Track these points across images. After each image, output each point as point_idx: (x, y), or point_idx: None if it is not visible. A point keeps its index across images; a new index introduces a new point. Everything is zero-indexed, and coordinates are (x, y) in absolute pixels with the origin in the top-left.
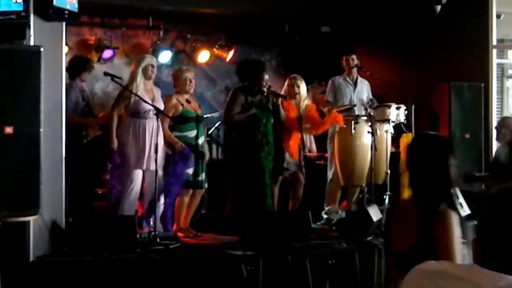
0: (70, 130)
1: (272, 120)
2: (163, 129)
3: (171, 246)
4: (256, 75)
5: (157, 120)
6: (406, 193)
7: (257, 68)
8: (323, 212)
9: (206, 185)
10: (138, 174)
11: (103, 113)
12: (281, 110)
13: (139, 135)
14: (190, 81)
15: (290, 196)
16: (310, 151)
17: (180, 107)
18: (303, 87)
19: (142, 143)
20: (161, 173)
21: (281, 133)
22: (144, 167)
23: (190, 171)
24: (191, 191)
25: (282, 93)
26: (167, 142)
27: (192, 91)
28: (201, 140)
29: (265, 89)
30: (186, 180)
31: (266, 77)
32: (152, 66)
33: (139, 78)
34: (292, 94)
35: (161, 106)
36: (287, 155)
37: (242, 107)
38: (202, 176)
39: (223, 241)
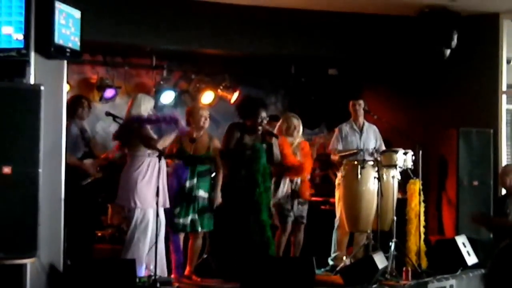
0: (69, 170)
1: (264, 160)
2: None
3: None
4: (251, 112)
5: (159, 161)
6: (412, 240)
7: (254, 105)
8: (330, 258)
9: (199, 229)
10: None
11: (104, 155)
12: (275, 149)
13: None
14: (206, 118)
15: (291, 243)
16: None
17: (177, 145)
18: (300, 127)
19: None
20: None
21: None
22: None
23: (176, 211)
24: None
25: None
26: None
27: (206, 126)
28: (191, 182)
29: (260, 127)
30: (174, 222)
31: (263, 114)
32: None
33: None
34: (288, 132)
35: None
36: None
37: (236, 143)
38: (188, 220)
39: (225, 287)
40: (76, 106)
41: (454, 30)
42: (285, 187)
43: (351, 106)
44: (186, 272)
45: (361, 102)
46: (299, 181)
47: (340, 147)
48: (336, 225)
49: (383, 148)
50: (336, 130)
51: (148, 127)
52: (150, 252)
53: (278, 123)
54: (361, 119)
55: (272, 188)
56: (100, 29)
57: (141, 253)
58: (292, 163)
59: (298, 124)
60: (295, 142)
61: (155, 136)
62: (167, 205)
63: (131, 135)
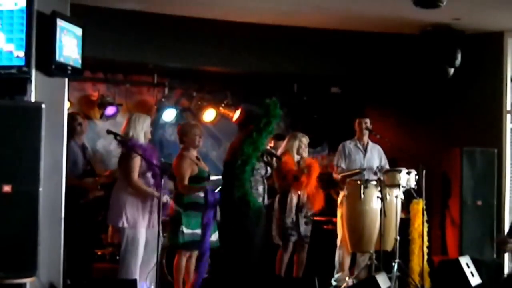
0: (69, 189)
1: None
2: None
3: None
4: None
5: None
6: (415, 261)
7: (255, 115)
8: (333, 279)
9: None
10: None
11: (108, 173)
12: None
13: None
14: (200, 137)
15: (294, 262)
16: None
17: (195, 167)
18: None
19: (150, 202)
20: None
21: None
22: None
23: (199, 231)
24: (194, 253)
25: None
26: None
27: (201, 145)
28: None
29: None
30: (192, 241)
31: None
32: (151, 128)
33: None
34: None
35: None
36: (286, 215)
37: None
38: (216, 236)
39: None
40: (72, 124)
41: (457, 48)
42: (291, 206)
43: (357, 124)
44: None
45: (367, 120)
46: (305, 197)
47: (343, 164)
48: (338, 244)
49: (388, 167)
50: (340, 147)
51: (137, 160)
52: (151, 271)
53: (286, 140)
54: (365, 138)
55: (278, 207)
56: (102, 47)
57: (132, 273)
58: (295, 175)
59: (307, 143)
60: (300, 160)
61: (135, 175)
62: (156, 226)
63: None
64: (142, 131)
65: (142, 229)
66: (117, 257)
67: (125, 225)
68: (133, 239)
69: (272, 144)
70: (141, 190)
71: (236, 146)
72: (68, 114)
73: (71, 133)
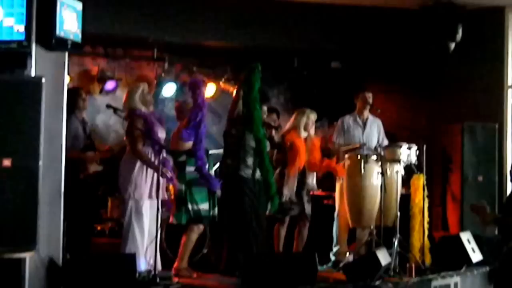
0: (69, 164)
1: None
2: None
3: (171, 287)
4: None
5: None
6: (416, 237)
7: None
8: (331, 253)
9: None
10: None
11: (107, 147)
12: (276, 141)
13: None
14: None
15: (294, 237)
16: (311, 189)
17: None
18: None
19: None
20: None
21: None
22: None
23: (206, 206)
24: (201, 226)
25: (291, 125)
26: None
27: None
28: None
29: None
30: (199, 216)
31: (264, 108)
32: (149, 94)
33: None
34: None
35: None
36: (285, 190)
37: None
38: (215, 211)
39: (225, 282)
40: (76, 98)
41: (458, 23)
42: (290, 182)
43: (360, 98)
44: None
45: (370, 95)
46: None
47: (341, 140)
48: (335, 218)
49: (386, 143)
50: (338, 122)
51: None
52: (149, 247)
53: (294, 116)
54: (366, 112)
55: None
56: (102, 21)
57: (139, 245)
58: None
59: (315, 119)
60: (304, 135)
61: (138, 144)
62: (165, 197)
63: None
64: (137, 99)
65: (146, 202)
66: (117, 232)
67: (131, 196)
68: (137, 210)
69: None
70: (146, 160)
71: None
72: (73, 89)
73: (73, 108)
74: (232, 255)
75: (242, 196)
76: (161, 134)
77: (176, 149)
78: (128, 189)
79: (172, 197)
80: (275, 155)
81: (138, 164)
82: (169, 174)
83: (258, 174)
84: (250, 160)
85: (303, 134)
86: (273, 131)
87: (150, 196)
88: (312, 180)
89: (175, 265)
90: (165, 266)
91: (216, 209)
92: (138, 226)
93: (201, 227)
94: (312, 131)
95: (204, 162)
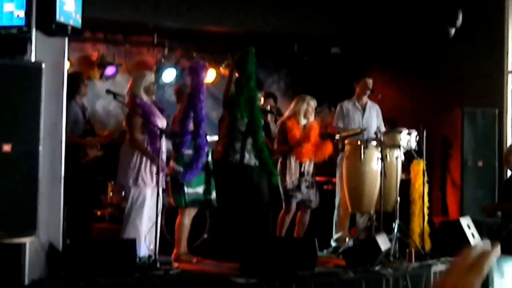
0: (70, 149)
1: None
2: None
3: (171, 272)
4: None
5: (160, 139)
6: (416, 222)
7: None
8: (332, 239)
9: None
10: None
11: (107, 133)
12: (272, 127)
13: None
14: None
15: (296, 222)
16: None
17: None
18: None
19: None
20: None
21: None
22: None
23: (201, 189)
24: (194, 210)
25: (291, 112)
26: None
27: None
28: (209, 157)
29: None
30: (196, 199)
31: (258, 95)
32: (153, 83)
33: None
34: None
35: (163, 123)
36: (288, 177)
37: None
38: (213, 195)
39: (225, 267)
40: (78, 83)
41: (459, 8)
42: (292, 169)
43: (361, 83)
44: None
45: (371, 80)
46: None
47: (341, 125)
48: (336, 204)
49: (383, 128)
50: (337, 107)
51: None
52: (150, 232)
53: (294, 103)
54: (365, 97)
55: (279, 170)
56: (101, 7)
57: (139, 232)
58: (298, 142)
59: (315, 106)
60: (302, 121)
61: (136, 133)
62: (164, 186)
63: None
64: (141, 88)
65: (148, 189)
66: (117, 217)
67: (133, 183)
68: (139, 197)
69: (262, 102)
70: (140, 149)
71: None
72: (74, 74)
73: (73, 93)
74: (230, 241)
75: (232, 183)
76: (161, 123)
77: (175, 131)
78: (131, 176)
79: (169, 179)
80: (276, 145)
81: (138, 152)
82: (163, 166)
83: (247, 158)
84: (237, 145)
85: (303, 121)
86: (269, 117)
87: (152, 183)
88: (309, 166)
89: (174, 251)
90: (165, 251)
91: (214, 193)
92: (139, 213)
93: (193, 211)
94: (311, 118)
95: (204, 143)
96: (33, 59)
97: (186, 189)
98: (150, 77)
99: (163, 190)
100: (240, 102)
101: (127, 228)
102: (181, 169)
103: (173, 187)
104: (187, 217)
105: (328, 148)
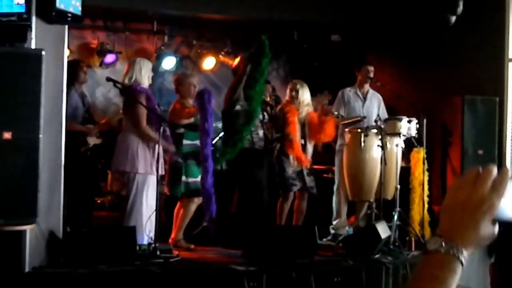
0: (69, 137)
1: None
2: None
3: (171, 260)
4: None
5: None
6: (416, 210)
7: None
8: (331, 227)
9: None
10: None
11: (105, 120)
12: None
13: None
14: (194, 87)
15: (294, 210)
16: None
17: (191, 115)
18: (302, 92)
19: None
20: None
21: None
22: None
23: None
24: (196, 199)
25: (286, 98)
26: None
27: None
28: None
29: None
30: (196, 189)
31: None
32: (152, 73)
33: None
34: (291, 99)
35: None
36: (287, 165)
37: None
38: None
39: (225, 255)
40: (77, 71)
41: None
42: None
43: (362, 71)
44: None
45: (372, 68)
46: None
47: (342, 112)
48: (335, 191)
49: (386, 117)
50: (339, 94)
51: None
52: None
53: (287, 90)
54: (366, 85)
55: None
56: None
57: (143, 219)
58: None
59: (300, 89)
60: (302, 112)
61: (143, 122)
62: (163, 172)
63: (131, 102)
64: (146, 75)
65: (151, 175)
66: (117, 205)
67: (138, 170)
68: (144, 184)
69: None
70: (150, 137)
71: (230, 92)
72: (74, 61)
73: (73, 81)
74: (233, 228)
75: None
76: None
77: (174, 122)
78: (133, 165)
79: (167, 167)
80: (273, 131)
81: (140, 140)
82: (172, 148)
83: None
84: (260, 133)
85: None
86: (267, 107)
87: (154, 172)
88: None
89: (172, 236)
90: (163, 238)
91: None
92: (143, 200)
93: (198, 199)
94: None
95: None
96: (33, 47)
97: (185, 179)
98: (151, 67)
99: (162, 178)
100: (253, 97)
101: (131, 215)
102: (179, 159)
103: (172, 177)
104: (195, 204)
105: (331, 127)
